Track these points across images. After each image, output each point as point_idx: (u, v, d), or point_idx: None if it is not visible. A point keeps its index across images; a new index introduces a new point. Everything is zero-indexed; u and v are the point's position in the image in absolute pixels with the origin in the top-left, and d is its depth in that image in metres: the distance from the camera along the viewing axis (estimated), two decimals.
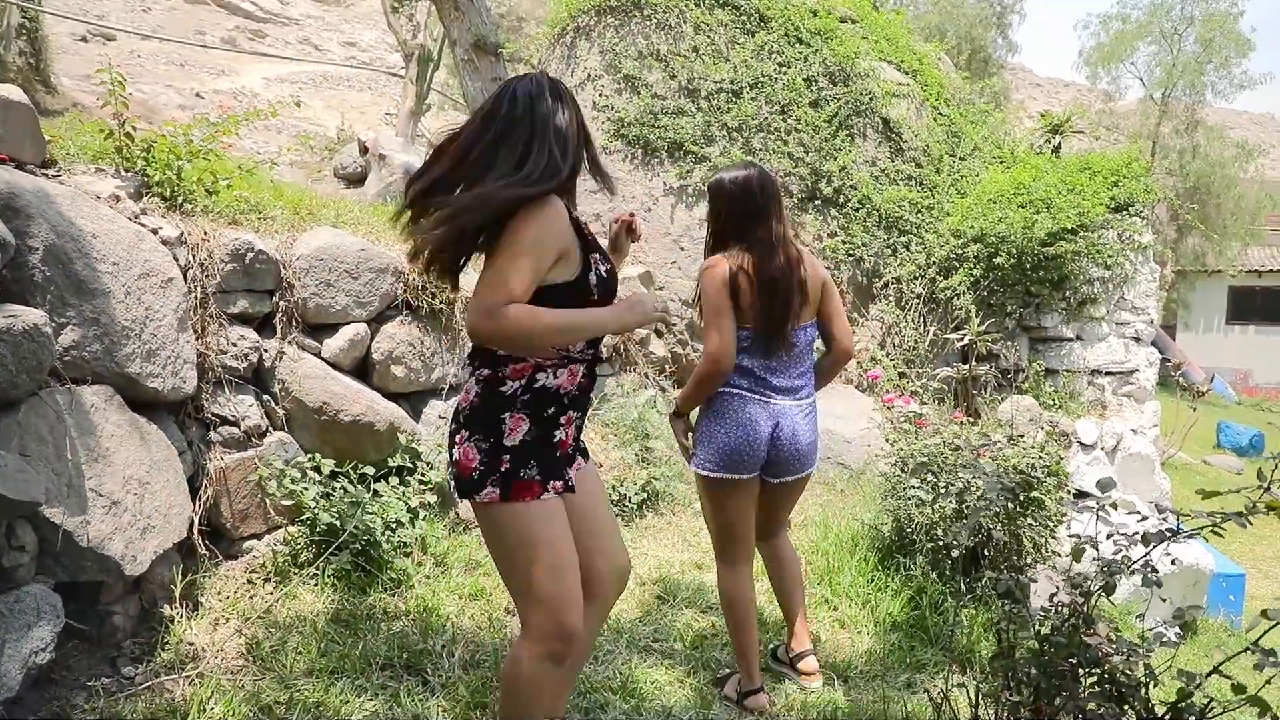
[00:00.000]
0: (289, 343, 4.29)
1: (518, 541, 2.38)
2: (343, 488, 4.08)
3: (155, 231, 3.77)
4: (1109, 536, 2.51)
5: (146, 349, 3.43)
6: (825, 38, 7.96)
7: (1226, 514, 2.21)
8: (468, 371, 2.47)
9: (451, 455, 2.43)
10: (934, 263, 7.63)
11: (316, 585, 3.82)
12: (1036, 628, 2.46)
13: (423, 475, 4.51)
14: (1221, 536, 2.25)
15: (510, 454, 2.37)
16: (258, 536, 4.07)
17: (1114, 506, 2.56)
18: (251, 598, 3.73)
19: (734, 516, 3.29)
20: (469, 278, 2.67)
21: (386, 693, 3.14)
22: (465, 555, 4.30)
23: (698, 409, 3.31)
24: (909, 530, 4.40)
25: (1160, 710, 2.21)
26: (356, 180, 15.56)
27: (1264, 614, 2.13)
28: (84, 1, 30.20)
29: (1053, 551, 4.36)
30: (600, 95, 7.66)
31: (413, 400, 4.92)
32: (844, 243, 7.58)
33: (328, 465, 4.11)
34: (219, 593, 3.71)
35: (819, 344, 3.45)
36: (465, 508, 4.63)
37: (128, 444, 3.30)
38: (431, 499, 4.46)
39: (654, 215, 7.43)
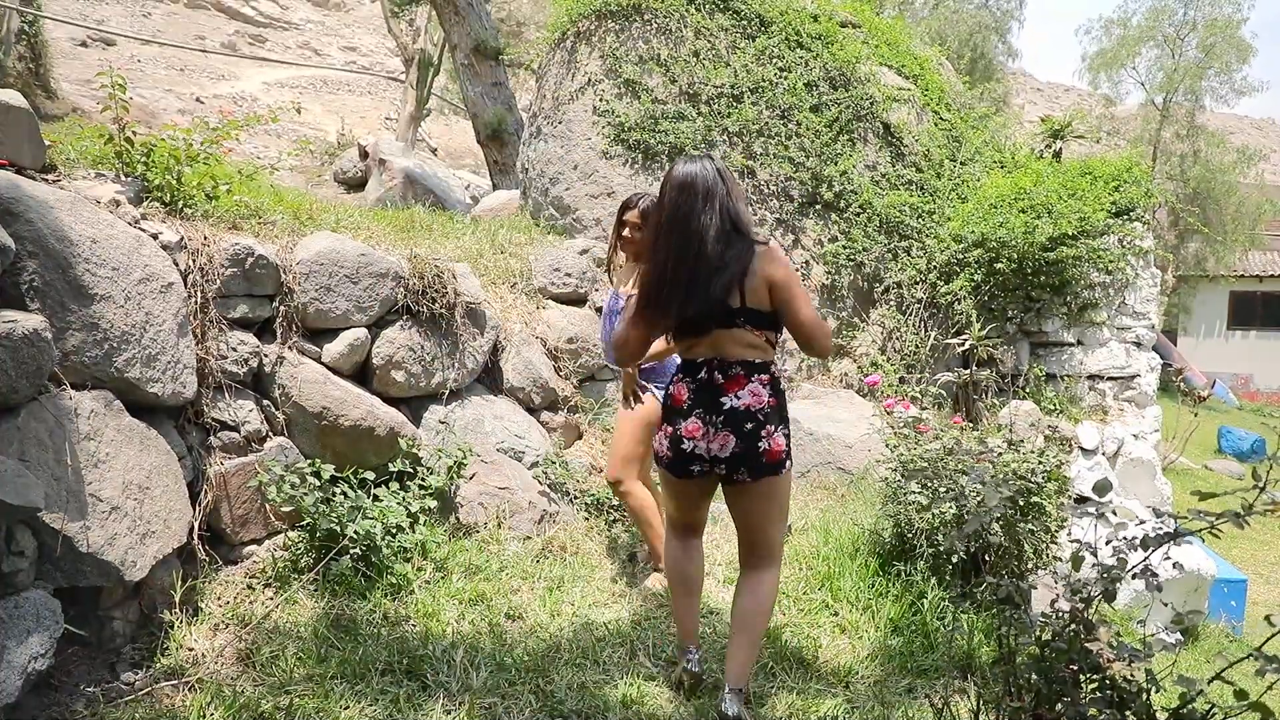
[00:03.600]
0: (289, 347, 4.30)
1: (788, 497, 3.30)
2: (343, 493, 4.08)
3: (155, 236, 3.77)
4: (1108, 542, 2.50)
5: (146, 354, 3.43)
6: (826, 42, 7.95)
7: (1223, 515, 2.21)
8: (745, 383, 3.09)
9: (759, 447, 3.07)
10: (935, 268, 7.62)
11: (316, 590, 3.82)
12: (1037, 633, 2.46)
13: (423, 480, 4.50)
14: (1219, 538, 2.25)
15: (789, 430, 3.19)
16: (258, 542, 4.07)
17: (1114, 513, 2.56)
18: (251, 603, 3.72)
19: None
20: None
21: (386, 698, 3.13)
22: (465, 560, 4.30)
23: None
24: (909, 535, 4.39)
25: (1162, 716, 2.20)
26: (357, 185, 15.58)
27: (1267, 619, 2.13)
28: (84, 6, 30.30)
29: (1054, 557, 4.35)
30: (600, 100, 7.66)
31: (413, 405, 4.92)
32: (844, 248, 7.57)
33: (328, 470, 4.11)
34: (219, 598, 3.70)
35: None
36: (466, 513, 4.63)
37: (127, 449, 3.30)
38: (432, 504, 4.45)
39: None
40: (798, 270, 7.54)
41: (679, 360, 3.30)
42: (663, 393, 4.31)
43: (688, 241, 3.03)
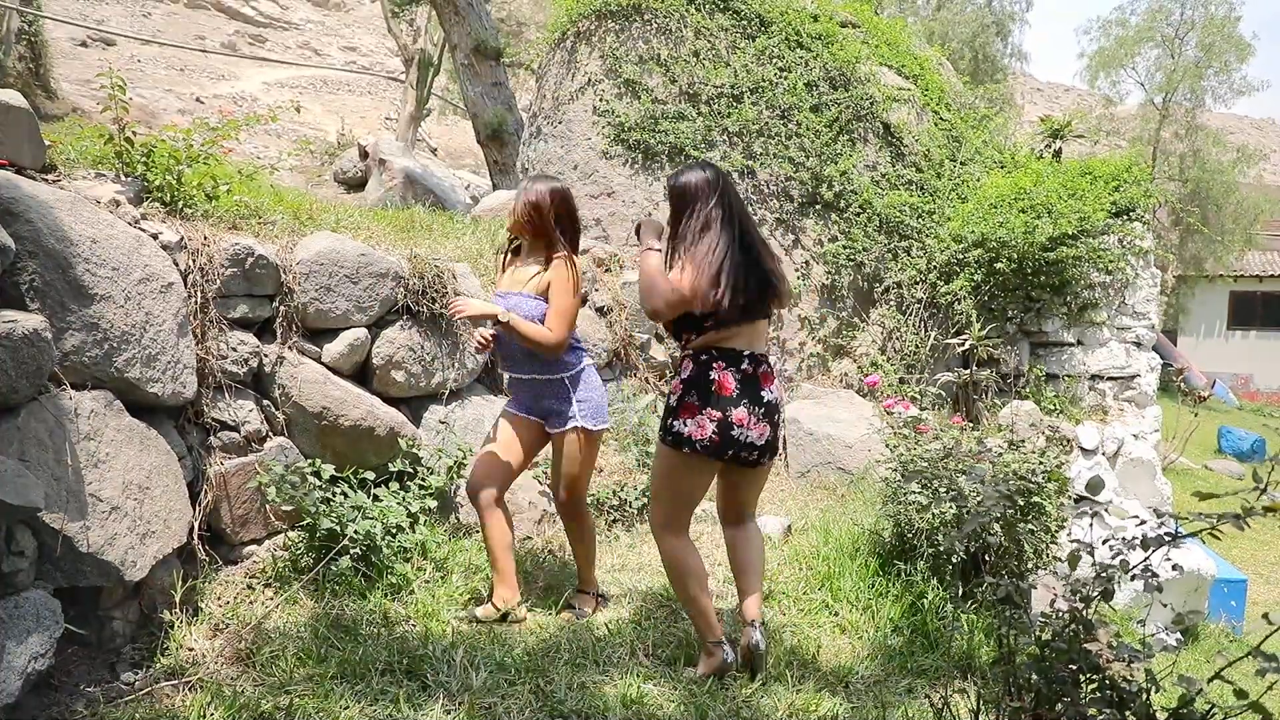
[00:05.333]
0: (289, 347, 4.29)
1: None
2: (343, 493, 4.08)
3: (155, 236, 3.77)
4: (1105, 542, 2.50)
5: (146, 354, 3.43)
6: (826, 42, 7.95)
7: (1223, 516, 2.20)
8: (773, 378, 3.47)
9: (779, 435, 3.53)
10: (935, 268, 7.61)
11: (316, 590, 3.82)
12: (1037, 633, 2.46)
13: (423, 480, 4.50)
14: (1219, 539, 2.25)
15: None
16: (258, 542, 4.07)
17: (1108, 511, 2.56)
18: (251, 603, 3.72)
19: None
20: None
21: (386, 698, 3.13)
22: (465, 560, 4.30)
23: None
24: (909, 535, 4.39)
25: (1162, 716, 2.20)
26: (357, 185, 15.61)
27: (1265, 617, 2.13)
28: (84, 6, 30.30)
29: (1054, 557, 4.35)
30: (600, 99, 7.67)
31: (413, 405, 4.91)
32: (844, 248, 7.57)
33: (328, 470, 4.10)
34: (219, 598, 3.70)
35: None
36: (466, 513, 4.63)
37: (127, 449, 3.29)
38: (432, 504, 4.45)
39: (655, 220, 7.44)
40: (797, 270, 7.54)
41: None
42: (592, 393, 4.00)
43: (748, 229, 3.45)
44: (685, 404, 3.37)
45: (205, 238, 4.04)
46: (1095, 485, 2.83)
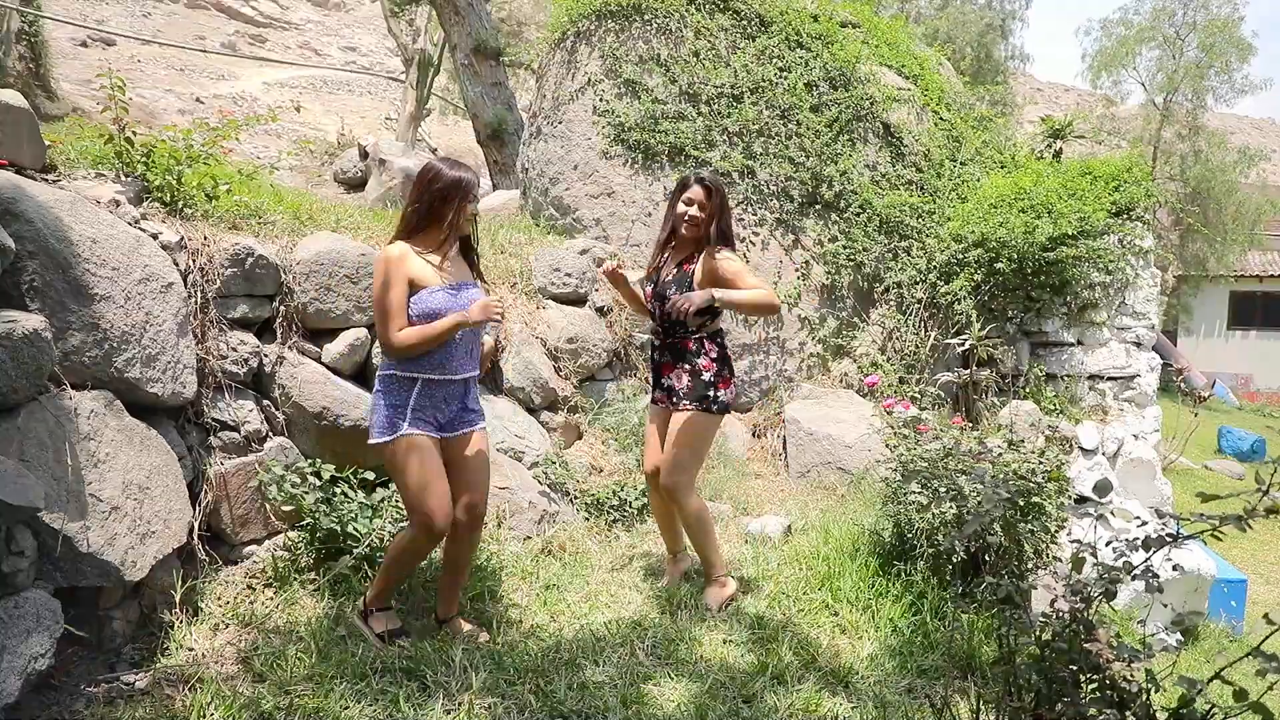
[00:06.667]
0: (289, 348, 4.29)
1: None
2: (343, 493, 4.08)
3: (155, 236, 3.77)
4: (1108, 544, 2.50)
5: (146, 354, 3.43)
6: (826, 42, 7.94)
7: (1226, 518, 2.20)
8: None
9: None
10: (935, 268, 7.61)
11: (316, 591, 3.82)
12: (1037, 633, 2.46)
13: None
14: (1221, 540, 2.25)
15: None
16: (258, 542, 4.07)
17: (1112, 514, 2.56)
18: (251, 603, 3.72)
19: None
20: None
21: (386, 698, 3.13)
22: None
23: None
24: (909, 535, 4.39)
25: (1162, 716, 2.20)
26: (357, 185, 15.60)
27: (1266, 618, 2.13)
28: (84, 6, 30.30)
29: (1054, 557, 4.35)
30: (600, 100, 7.66)
31: None
32: (844, 247, 7.57)
33: (328, 470, 4.10)
34: (219, 598, 3.70)
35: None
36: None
37: (127, 449, 3.29)
38: None
39: (655, 219, 7.44)
40: (797, 270, 7.54)
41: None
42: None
43: None
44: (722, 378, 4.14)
45: (205, 238, 4.04)
46: (1103, 488, 2.82)
